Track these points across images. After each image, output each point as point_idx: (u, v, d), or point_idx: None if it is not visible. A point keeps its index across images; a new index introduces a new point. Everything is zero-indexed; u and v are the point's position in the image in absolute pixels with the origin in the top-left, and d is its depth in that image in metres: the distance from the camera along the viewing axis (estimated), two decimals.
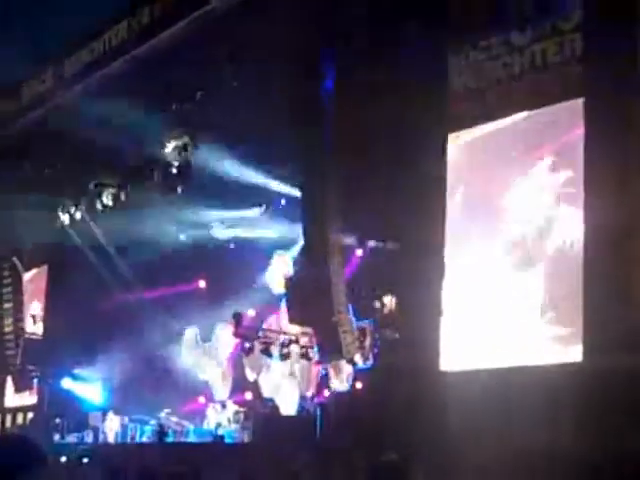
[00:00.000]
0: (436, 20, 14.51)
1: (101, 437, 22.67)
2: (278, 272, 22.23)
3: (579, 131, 12.89)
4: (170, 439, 20.93)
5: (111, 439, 22.56)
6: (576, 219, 12.89)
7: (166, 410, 22.26)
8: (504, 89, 14.07)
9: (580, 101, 12.90)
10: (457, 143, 14.82)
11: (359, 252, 19.52)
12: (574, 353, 12.58)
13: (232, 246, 23.68)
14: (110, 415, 23.20)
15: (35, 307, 27.05)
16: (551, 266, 13.33)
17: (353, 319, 17.42)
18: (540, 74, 13.47)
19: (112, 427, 22.79)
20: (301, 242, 18.52)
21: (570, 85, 13.06)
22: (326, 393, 19.33)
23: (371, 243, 18.66)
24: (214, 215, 22.44)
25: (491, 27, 14.24)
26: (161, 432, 20.63)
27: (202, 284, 24.49)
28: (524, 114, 13.88)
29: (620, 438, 11.67)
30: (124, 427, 22.27)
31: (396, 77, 15.01)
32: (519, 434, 12.76)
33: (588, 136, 12.72)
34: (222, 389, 23.28)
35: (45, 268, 26.83)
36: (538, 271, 13.50)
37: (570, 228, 13.01)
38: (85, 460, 20.11)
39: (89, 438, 22.73)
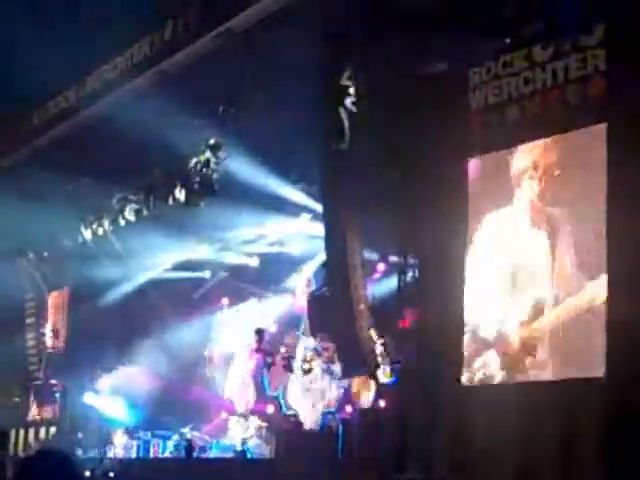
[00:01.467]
0: (457, 35, 14.49)
1: (123, 452, 22.70)
2: (300, 287, 22.27)
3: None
4: (194, 454, 20.95)
5: (119, 455, 22.62)
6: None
7: (189, 425, 22.30)
8: (525, 105, 14.00)
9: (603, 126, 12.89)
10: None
11: (380, 267, 19.53)
12: (596, 369, 12.50)
13: (255, 263, 23.73)
14: (119, 432, 23.26)
15: (57, 322, 27.14)
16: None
17: (375, 334, 17.41)
18: (562, 90, 13.40)
19: (120, 443, 22.87)
20: (323, 256, 18.51)
21: (593, 102, 13.01)
22: (348, 409, 19.30)
23: (392, 258, 18.64)
24: (237, 231, 22.49)
25: (512, 42, 14.21)
26: (189, 447, 20.61)
27: (225, 301, 24.57)
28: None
29: None
30: (146, 442, 22.30)
31: (417, 92, 15.01)
32: (542, 449, 12.70)
33: (611, 159, 12.68)
34: (244, 404, 23.30)
35: (67, 287, 26.97)
36: (558, 286, 13.43)
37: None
38: (111, 475, 20.11)
39: (111, 453, 22.78)
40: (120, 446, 22.86)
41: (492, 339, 14.15)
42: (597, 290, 12.60)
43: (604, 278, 12.48)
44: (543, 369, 13.33)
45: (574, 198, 13.25)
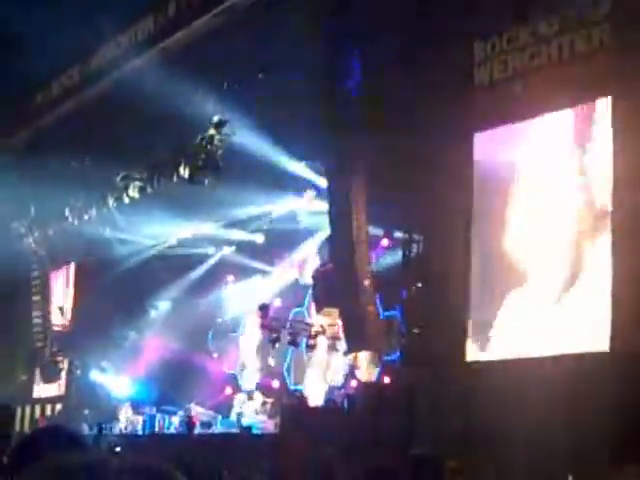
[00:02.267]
0: (462, 11, 14.48)
1: (129, 428, 22.80)
2: (305, 262, 22.32)
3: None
4: (198, 430, 21.03)
5: (124, 429, 22.75)
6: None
7: (194, 401, 22.40)
8: (530, 80, 14.01)
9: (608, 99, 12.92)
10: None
11: (385, 242, 19.56)
12: (601, 342, 12.56)
13: (260, 240, 23.75)
14: (124, 408, 23.37)
15: (63, 299, 27.22)
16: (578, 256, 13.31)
17: (380, 310, 17.49)
18: (567, 65, 13.42)
19: (128, 419, 22.98)
20: (328, 232, 18.55)
21: (598, 76, 13.02)
22: (353, 384, 19.38)
23: (397, 234, 18.67)
24: (242, 208, 22.48)
25: (517, 17, 14.19)
26: (190, 423, 20.70)
27: (230, 277, 24.63)
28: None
29: None
30: (152, 417, 22.38)
31: (422, 69, 15.01)
32: (547, 424, 12.77)
33: (617, 130, 12.71)
34: (249, 380, 23.40)
35: (73, 264, 27.06)
36: (563, 261, 13.49)
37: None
38: (117, 449, 20.19)
39: (117, 429, 22.88)
40: (126, 422, 22.96)
41: (496, 315, 14.24)
42: None
43: None
44: (550, 343, 13.42)
45: None
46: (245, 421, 20.57)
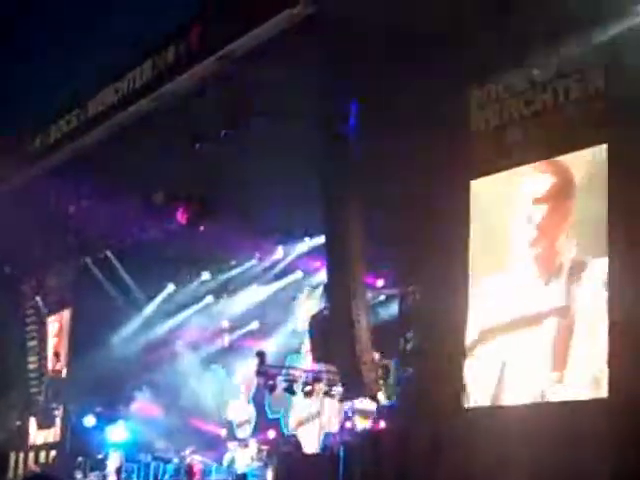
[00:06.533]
0: (457, 56, 14.51)
1: (124, 476, 22.63)
2: (303, 310, 22.29)
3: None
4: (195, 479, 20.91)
5: (113, 477, 22.57)
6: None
7: (189, 448, 22.24)
8: (526, 126, 14.04)
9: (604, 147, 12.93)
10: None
11: (380, 284, 19.55)
12: (600, 389, 12.49)
13: (255, 286, 23.74)
14: (119, 455, 23.21)
15: (58, 345, 27.11)
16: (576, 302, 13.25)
17: (376, 357, 17.39)
18: (563, 111, 13.45)
19: (122, 467, 22.82)
20: (325, 280, 18.52)
21: (594, 122, 13.04)
22: (349, 431, 19.26)
23: (393, 284, 18.67)
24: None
25: (514, 63, 14.22)
26: (190, 471, 20.57)
27: (225, 324, 24.63)
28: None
29: None
30: (147, 465, 22.24)
31: (418, 117, 15.03)
32: (545, 472, 12.67)
33: (612, 177, 12.71)
34: (245, 427, 23.29)
35: (69, 310, 26.96)
36: (563, 306, 13.44)
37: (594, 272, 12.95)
38: None
39: (111, 477, 22.70)
40: (120, 469, 22.78)
41: (494, 362, 14.16)
42: None
43: None
44: (548, 390, 13.35)
45: None
46: (239, 468, 20.41)
